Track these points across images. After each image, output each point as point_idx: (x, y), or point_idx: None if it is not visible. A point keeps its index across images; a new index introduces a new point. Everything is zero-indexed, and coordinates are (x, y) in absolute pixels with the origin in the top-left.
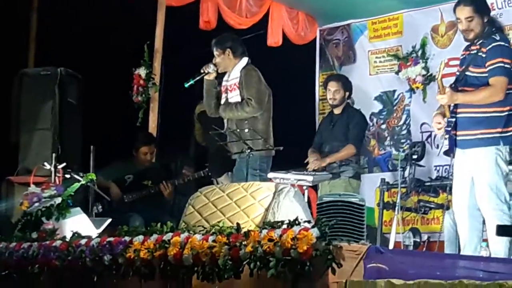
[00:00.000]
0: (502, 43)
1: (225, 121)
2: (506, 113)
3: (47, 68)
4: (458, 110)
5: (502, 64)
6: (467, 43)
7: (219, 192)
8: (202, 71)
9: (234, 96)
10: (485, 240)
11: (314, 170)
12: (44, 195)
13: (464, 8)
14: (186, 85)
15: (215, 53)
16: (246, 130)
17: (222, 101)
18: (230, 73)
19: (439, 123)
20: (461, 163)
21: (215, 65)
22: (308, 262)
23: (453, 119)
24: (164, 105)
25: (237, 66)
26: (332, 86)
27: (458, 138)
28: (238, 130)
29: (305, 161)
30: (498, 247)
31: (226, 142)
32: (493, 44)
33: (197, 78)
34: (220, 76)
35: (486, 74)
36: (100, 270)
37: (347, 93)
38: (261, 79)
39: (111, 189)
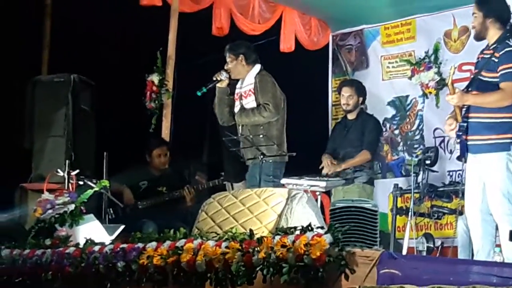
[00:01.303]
0: (509, 49)
1: (239, 127)
2: None
3: (61, 75)
4: (470, 115)
5: (508, 70)
6: (482, 48)
7: (232, 198)
8: (214, 78)
9: (250, 102)
10: (498, 246)
11: (327, 175)
12: (58, 202)
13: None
14: (199, 93)
15: (228, 59)
16: (261, 136)
17: (237, 108)
18: (244, 80)
19: (451, 124)
20: (473, 168)
21: (227, 72)
22: (321, 268)
23: (465, 124)
24: (177, 112)
25: (250, 72)
26: (346, 91)
27: (469, 143)
28: (251, 136)
29: (320, 167)
30: (511, 252)
31: (240, 148)
32: (506, 50)
33: (210, 86)
34: (232, 84)
35: (498, 79)
36: (114, 277)
37: (361, 99)
38: (276, 84)
39: (125, 195)
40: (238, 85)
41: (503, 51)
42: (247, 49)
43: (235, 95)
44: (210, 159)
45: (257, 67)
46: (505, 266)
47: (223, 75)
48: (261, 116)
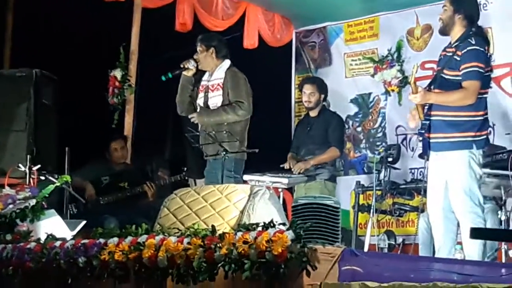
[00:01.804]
0: (478, 48)
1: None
2: (480, 117)
3: (22, 70)
4: (432, 113)
5: (476, 69)
6: (445, 46)
7: (194, 194)
8: (182, 65)
9: (216, 96)
10: (460, 243)
11: (299, 173)
12: (19, 196)
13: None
14: (164, 78)
15: (199, 49)
16: (224, 132)
17: (200, 100)
18: (213, 73)
19: (414, 115)
20: (435, 165)
21: (195, 61)
22: (283, 264)
23: (427, 122)
24: (140, 107)
25: (220, 67)
26: (307, 88)
27: (431, 140)
28: (214, 132)
29: (282, 165)
30: (472, 249)
31: (202, 144)
32: (468, 48)
33: (176, 72)
34: (197, 75)
35: (460, 78)
36: (75, 272)
37: (323, 96)
38: (247, 82)
39: (87, 190)
40: (205, 77)
41: (465, 50)
42: (219, 43)
43: (200, 87)
44: (173, 155)
45: (227, 62)
46: (466, 263)
47: (191, 64)
48: (235, 114)
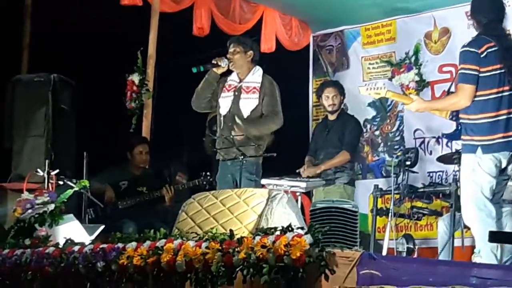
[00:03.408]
0: (464, 48)
1: (220, 126)
2: (486, 120)
3: (40, 75)
4: (459, 115)
5: (462, 71)
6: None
7: (212, 199)
8: (214, 61)
9: (251, 99)
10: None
11: (308, 177)
12: (37, 201)
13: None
14: (195, 70)
15: (235, 49)
16: (240, 137)
17: (226, 100)
18: (246, 76)
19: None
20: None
21: (229, 60)
22: (301, 268)
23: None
24: (158, 112)
25: (255, 71)
26: (330, 92)
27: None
28: (232, 136)
29: (297, 170)
30: (490, 253)
31: (221, 148)
32: (461, 49)
33: (208, 66)
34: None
35: None
36: (93, 277)
37: (342, 98)
38: (280, 92)
39: (107, 193)
40: (232, 78)
41: (461, 50)
42: (256, 47)
43: (227, 86)
44: (191, 159)
45: (260, 69)
46: (484, 267)
47: (224, 62)
48: (274, 124)
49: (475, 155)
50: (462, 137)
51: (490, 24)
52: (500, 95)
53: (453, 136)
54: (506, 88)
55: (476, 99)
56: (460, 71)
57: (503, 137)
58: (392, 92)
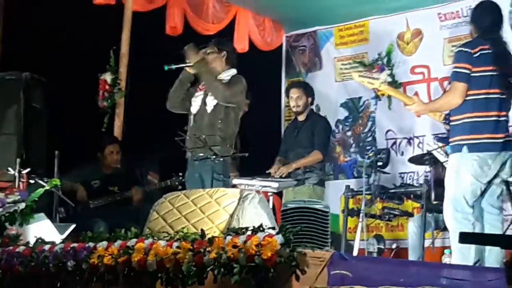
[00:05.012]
0: (459, 48)
1: (190, 125)
2: (471, 120)
3: (12, 73)
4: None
5: (455, 69)
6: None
7: (183, 198)
8: (188, 61)
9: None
10: (449, 247)
11: (281, 177)
12: (8, 200)
13: None
14: (166, 68)
15: (210, 50)
16: (217, 136)
17: (198, 98)
18: (217, 76)
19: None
20: None
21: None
22: (272, 268)
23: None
24: (130, 111)
25: (228, 72)
26: (294, 93)
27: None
28: (204, 136)
29: (267, 171)
30: (461, 254)
31: (193, 148)
32: (456, 49)
33: (180, 66)
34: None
35: None
36: (64, 276)
37: (310, 99)
38: (246, 85)
39: (78, 192)
40: None
41: (456, 50)
42: (232, 50)
43: (201, 86)
44: (163, 159)
45: (234, 70)
46: (455, 268)
47: None
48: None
49: (460, 154)
50: (450, 139)
51: (487, 30)
52: (490, 96)
53: (445, 139)
54: (497, 90)
55: (466, 98)
56: (453, 70)
57: (490, 138)
58: (388, 87)
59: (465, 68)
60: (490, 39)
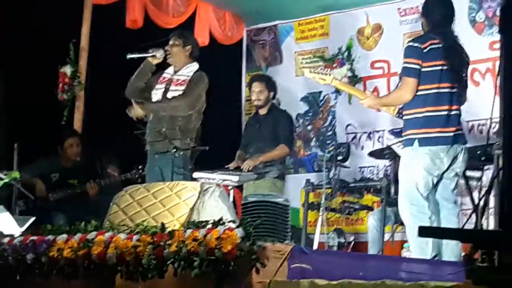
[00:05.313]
0: (408, 44)
1: (149, 118)
2: (421, 114)
3: None
4: (403, 112)
5: (405, 65)
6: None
7: (144, 191)
8: (150, 51)
9: (177, 91)
10: (407, 241)
11: (248, 170)
12: None
13: None
14: (128, 57)
15: (174, 42)
16: (177, 129)
17: (158, 91)
18: (181, 69)
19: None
20: None
21: (165, 52)
22: (232, 262)
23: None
24: (90, 104)
25: (191, 66)
26: (256, 86)
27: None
28: (164, 129)
29: (227, 166)
30: (419, 248)
31: (154, 140)
32: (406, 44)
33: (143, 55)
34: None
35: None
36: (23, 269)
37: (272, 93)
38: (206, 84)
39: (37, 186)
40: (168, 71)
41: (405, 45)
42: (195, 43)
43: (161, 78)
44: (123, 152)
45: (196, 65)
46: (413, 262)
47: (160, 53)
48: (181, 107)
49: (412, 148)
50: (403, 133)
51: (437, 24)
52: (441, 90)
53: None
54: (448, 85)
55: (417, 93)
56: (403, 65)
57: (441, 132)
58: (340, 82)
59: (415, 63)
60: (440, 33)
